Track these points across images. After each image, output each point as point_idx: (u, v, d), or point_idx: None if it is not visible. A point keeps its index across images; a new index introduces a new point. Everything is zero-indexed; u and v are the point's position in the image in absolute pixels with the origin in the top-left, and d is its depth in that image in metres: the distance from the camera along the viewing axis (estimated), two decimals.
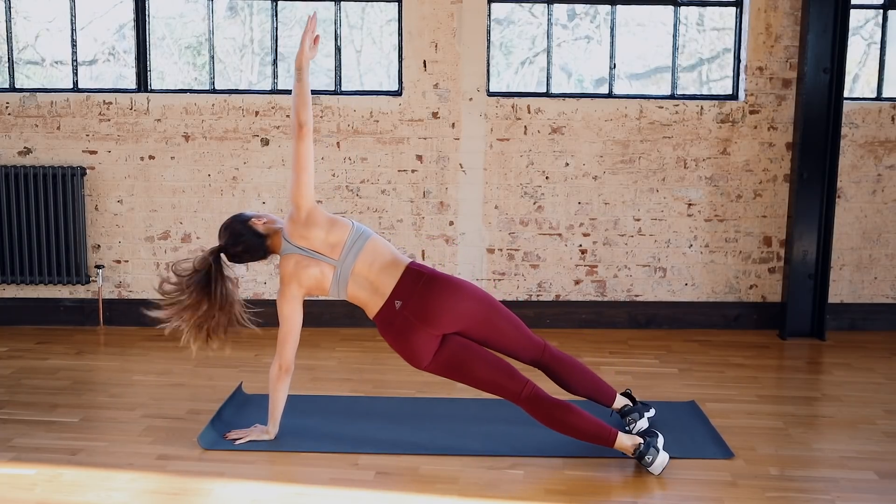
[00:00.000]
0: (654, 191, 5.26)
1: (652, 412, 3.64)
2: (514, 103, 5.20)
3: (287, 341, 3.39)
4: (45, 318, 5.34)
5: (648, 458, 3.19)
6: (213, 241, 4.26)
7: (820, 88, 5.04)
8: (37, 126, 5.21)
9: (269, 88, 5.29)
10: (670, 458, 3.25)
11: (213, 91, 5.27)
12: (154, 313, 3.34)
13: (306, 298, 3.42)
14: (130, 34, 5.33)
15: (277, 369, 3.40)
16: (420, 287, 3.28)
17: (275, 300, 3.42)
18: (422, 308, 3.26)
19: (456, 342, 3.32)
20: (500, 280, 5.31)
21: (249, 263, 3.62)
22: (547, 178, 5.25)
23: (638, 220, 5.28)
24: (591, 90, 5.57)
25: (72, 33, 5.25)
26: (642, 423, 3.54)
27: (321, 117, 5.16)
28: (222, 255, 3.39)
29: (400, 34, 5.20)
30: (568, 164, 5.24)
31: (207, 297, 3.29)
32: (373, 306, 3.34)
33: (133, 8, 5.23)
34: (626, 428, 3.54)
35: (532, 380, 3.33)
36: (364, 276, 3.33)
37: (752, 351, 4.89)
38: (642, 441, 3.24)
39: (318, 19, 4.09)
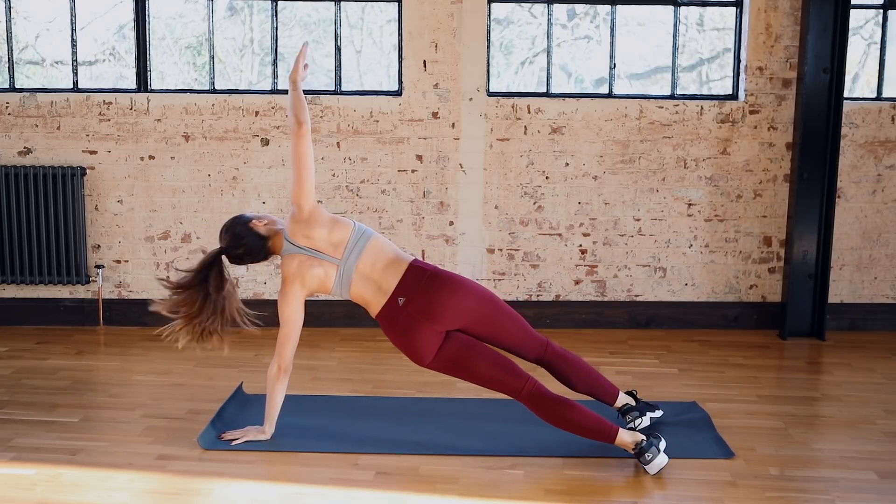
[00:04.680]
0: (654, 191, 5.26)
1: (658, 413, 3.61)
2: (514, 103, 5.20)
3: (287, 342, 3.38)
4: (45, 318, 5.34)
5: (648, 455, 3.17)
6: (214, 241, 4.27)
7: (820, 88, 5.04)
8: (37, 126, 5.21)
9: (269, 88, 5.29)
10: (671, 458, 3.25)
11: (213, 91, 5.27)
12: (154, 307, 3.35)
13: (307, 298, 3.42)
14: (130, 34, 5.33)
15: (276, 369, 3.39)
16: (423, 284, 3.29)
17: (275, 300, 3.42)
18: (425, 304, 3.26)
19: (458, 339, 3.32)
20: (500, 280, 5.31)
21: (250, 265, 3.62)
22: (547, 178, 5.25)
23: (638, 220, 5.28)
24: (591, 90, 5.57)
25: (72, 33, 5.25)
26: (644, 421, 3.53)
27: (321, 117, 5.16)
28: (223, 256, 3.40)
29: (400, 34, 5.20)
30: (568, 164, 5.24)
31: (204, 298, 3.29)
32: (376, 304, 3.34)
33: (133, 8, 5.23)
34: (628, 426, 3.53)
35: (534, 377, 3.33)
36: (367, 275, 3.33)
37: (752, 351, 4.89)
38: (644, 438, 3.23)
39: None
